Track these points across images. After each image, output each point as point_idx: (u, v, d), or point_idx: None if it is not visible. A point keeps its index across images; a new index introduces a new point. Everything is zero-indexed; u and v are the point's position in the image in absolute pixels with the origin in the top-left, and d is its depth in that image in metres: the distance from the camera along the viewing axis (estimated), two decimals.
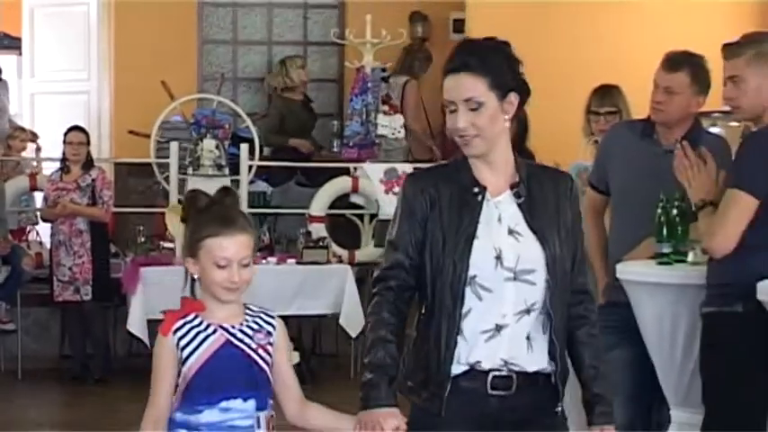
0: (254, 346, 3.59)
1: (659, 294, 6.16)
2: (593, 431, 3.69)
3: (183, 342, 3.56)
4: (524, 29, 11.73)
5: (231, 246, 3.55)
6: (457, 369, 3.57)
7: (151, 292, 9.67)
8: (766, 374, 5.51)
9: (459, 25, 13.54)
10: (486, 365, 3.55)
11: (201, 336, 3.58)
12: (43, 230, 11.58)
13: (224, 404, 3.53)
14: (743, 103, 5.74)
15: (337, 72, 14.19)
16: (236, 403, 3.55)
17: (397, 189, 11.13)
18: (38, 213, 11.61)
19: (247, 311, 3.66)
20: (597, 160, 7.01)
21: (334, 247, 11.13)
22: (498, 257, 3.62)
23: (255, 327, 3.63)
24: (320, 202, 11.67)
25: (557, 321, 3.70)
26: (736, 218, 5.40)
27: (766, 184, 5.52)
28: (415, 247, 3.71)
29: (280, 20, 14.37)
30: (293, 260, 10.44)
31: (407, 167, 11.54)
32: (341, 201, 11.92)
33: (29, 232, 12.05)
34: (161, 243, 10.82)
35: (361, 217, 12.05)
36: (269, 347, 3.63)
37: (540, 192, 3.74)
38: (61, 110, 13.03)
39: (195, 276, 3.61)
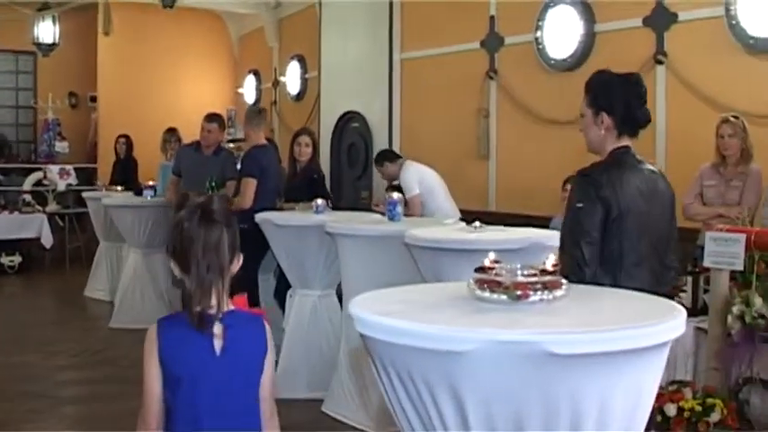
0: None
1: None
2: None
3: None
4: (139, 95, 15.67)
5: None
6: None
7: None
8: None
9: (93, 99, 16.41)
10: None
11: None
12: None
13: None
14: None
15: (33, 120, 17.05)
16: None
17: (65, 177, 14.15)
18: None
19: None
20: (175, 160, 9.29)
21: (36, 206, 13.81)
22: None
23: None
24: (28, 184, 14.77)
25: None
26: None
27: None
28: None
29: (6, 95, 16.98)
30: (17, 212, 13.51)
31: (70, 167, 14.78)
32: (38, 183, 14.82)
33: None
34: None
35: (47, 191, 14.62)
36: None
37: None
38: None
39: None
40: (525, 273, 2.79)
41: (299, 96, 14.34)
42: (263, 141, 8.11)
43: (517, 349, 2.40)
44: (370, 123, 12.19)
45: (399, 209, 6.63)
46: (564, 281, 2.85)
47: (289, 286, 7.36)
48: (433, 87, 10.92)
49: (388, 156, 9.22)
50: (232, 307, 2.87)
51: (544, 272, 2.81)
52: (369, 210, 10.26)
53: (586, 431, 2.49)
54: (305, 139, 8.23)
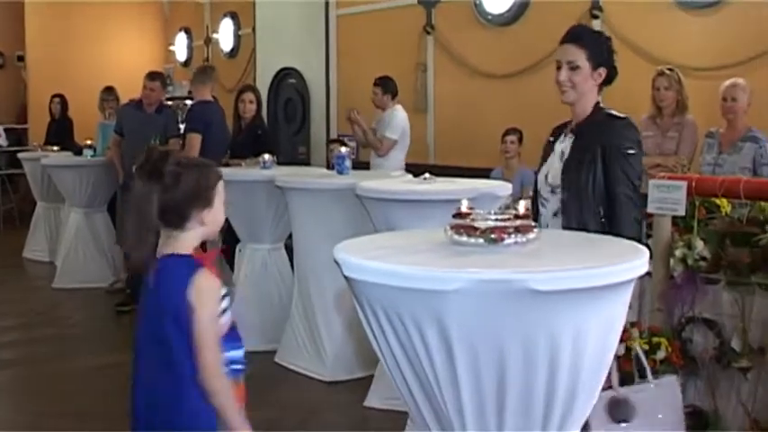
0: None
1: None
2: None
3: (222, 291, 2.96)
4: (69, 54, 15.49)
5: None
6: None
7: None
8: None
9: (20, 59, 16.31)
10: None
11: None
12: None
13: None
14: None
15: None
16: None
17: None
18: None
19: None
20: (117, 119, 9.23)
21: None
22: (546, 177, 4.02)
23: None
24: None
25: (571, 221, 3.85)
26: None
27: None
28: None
29: None
30: None
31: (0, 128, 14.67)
32: None
33: None
34: None
35: None
36: None
37: (589, 132, 3.93)
38: None
39: (207, 222, 2.95)
40: (499, 218, 2.97)
41: (233, 53, 14.37)
42: (208, 98, 8.19)
43: (500, 287, 2.58)
44: (307, 79, 12.31)
45: (348, 163, 6.78)
46: (535, 224, 3.03)
47: (236, 241, 7.46)
48: (371, 43, 11.03)
49: (394, 91, 9.03)
50: (170, 251, 3.00)
51: (517, 216, 2.99)
52: (307, 164, 10.52)
53: (562, 362, 2.68)
54: (249, 95, 8.39)
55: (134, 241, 2.96)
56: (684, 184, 4.94)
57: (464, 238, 2.94)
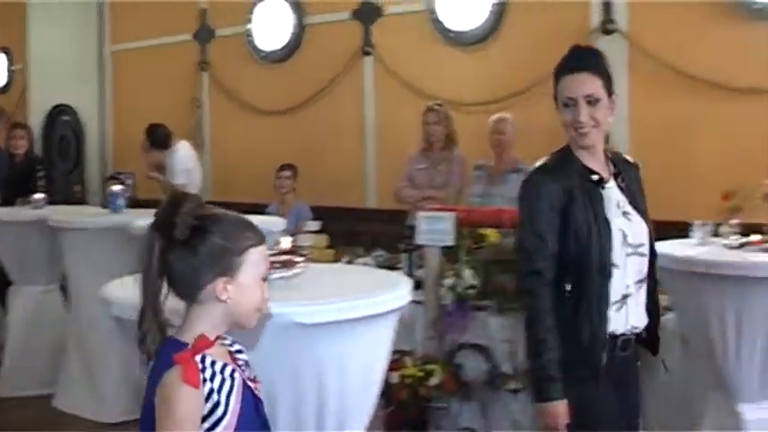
0: (253, 384, 2.22)
1: None
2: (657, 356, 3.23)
3: (215, 395, 2.11)
4: None
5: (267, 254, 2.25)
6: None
7: None
8: None
9: None
10: (618, 332, 3.02)
11: (228, 383, 2.14)
12: None
13: None
14: None
15: None
16: None
17: None
18: None
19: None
20: None
21: None
22: (625, 237, 3.07)
23: (242, 361, 2.25)
24: None
25: (651, 283, 3.19)
26: None
27: None
28: (556, 236, 3.05)
29: None
30: None
31: None
32: None
33: None
34: None
35: None
36: (258, 381, 2.25)
37: (629, 178, 3.20)
38: None
39: (226, 299, 2.15)
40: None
41: (5, 89, 13.82)
42: None
43: (265, 321, 2.60)
44: (81, 117, 12.09)
45: (121, 201, 6.70)
46: (300, 259, 3.08)
47: (8, 284, 7.21)
48: (146, 79, 10.95)
49: (161, 143, 8.50)
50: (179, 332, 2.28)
51: (282, 252, 3.03)
52: (83, 203, 10.26)
53: (330, 389, 2.76)
54: (19, 132, 8.24)
55: (141, 315, 2.22)
56: (452, 215, 5.10)
57: None
